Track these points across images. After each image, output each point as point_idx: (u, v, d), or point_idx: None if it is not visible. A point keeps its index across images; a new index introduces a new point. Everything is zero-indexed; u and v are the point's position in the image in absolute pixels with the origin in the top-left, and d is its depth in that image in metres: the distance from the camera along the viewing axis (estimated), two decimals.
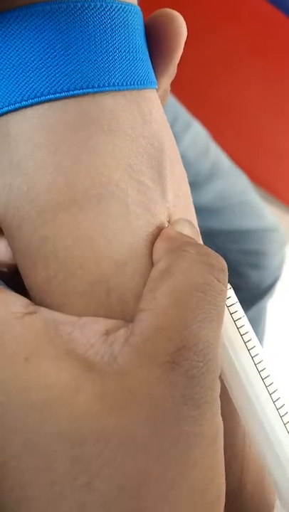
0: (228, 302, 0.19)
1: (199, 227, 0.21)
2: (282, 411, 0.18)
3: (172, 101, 0.63)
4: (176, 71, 0.24)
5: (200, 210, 0.68)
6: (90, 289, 0.17)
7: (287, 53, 1.13)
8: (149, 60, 0.20)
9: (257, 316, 0.71)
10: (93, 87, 0.17)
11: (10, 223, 0.18)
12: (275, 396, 0.18)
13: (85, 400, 0.14)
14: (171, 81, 0.22)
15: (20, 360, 0.15)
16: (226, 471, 0.18)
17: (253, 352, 0.19)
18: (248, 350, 0.19)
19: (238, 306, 0.19)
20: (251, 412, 0.18)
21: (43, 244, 0.17)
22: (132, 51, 0.19)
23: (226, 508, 0.20)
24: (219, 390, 0.16)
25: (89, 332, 0.16)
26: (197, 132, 0.64)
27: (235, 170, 0.68)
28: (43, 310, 0.17)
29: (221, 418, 0.16)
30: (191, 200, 0.22)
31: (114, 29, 0.18)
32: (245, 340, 0.19)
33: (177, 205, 0.20)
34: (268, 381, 0.19)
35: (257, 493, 0.22)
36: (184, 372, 0.15)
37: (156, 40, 0.20)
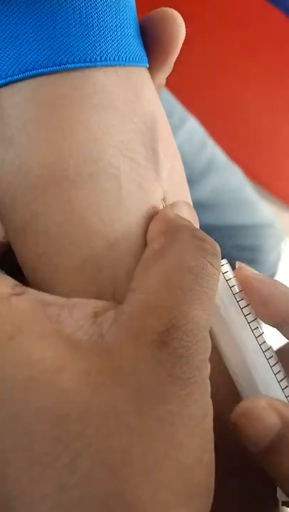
0: (227, 276, 0.19)
1: None
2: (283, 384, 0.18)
3: (168, 96, 0.63)
4: (172, 68, 0.24)
5: (195, 206, 0.67)
6: (81, 266, 0.17)
7: (285, 51, 1.13)
8: (140, 36, 0.20)
9: None
10: (85, 61, 0.17)
11: (2, 198, 0.18)
12: (275, 368, 0.19)
13: (68, 378, 0.14)
14: (166, 77, 0.22)
15: (4, 339, 0.15)
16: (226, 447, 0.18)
17: (253, 325, 0.19)
18: (248, 323, 0.19)
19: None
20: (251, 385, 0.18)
21: (35, 220, 0.17)
22: (124, 26, 0.19)
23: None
24: (209, 371, 0.16)
25: (78, 313, 0.16)
26: (193, 128, 0.64)
27: (230, 165, 0.68)
28: (31, 291, 0.17)
29: (210, 399, 0.16)
30: (185, 179, 0.22)
31: (106, 4, 0.18)
32: (245, 314, 0.19)
33: (171, 183, 0.20)
34: (268, 354, 0.19)
35: None
36: (171, 352, 0.15)
37: (153, 38, 0.20)
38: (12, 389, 0.14)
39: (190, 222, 0.18)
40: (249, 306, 0.19)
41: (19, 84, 0.17)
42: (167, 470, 0.14)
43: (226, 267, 0.19)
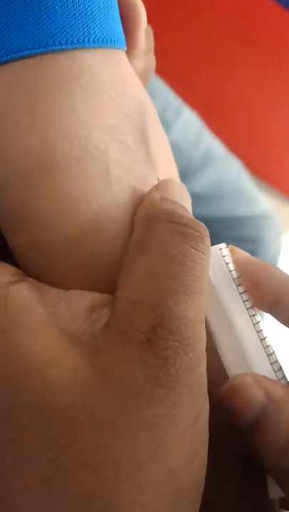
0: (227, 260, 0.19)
1: (193, 215, 0.20)
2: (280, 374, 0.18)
3: (163, 89, 0.62)
4: (153, 61, 0.24)
5: (193, 198, 0.67)
6: (73, 254, 0.17)
7: (280, 43, 1.12)
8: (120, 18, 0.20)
9: None
10: (72, 42, 0.17)
11: None
12: (272, 358, 0.18)
13: (56, 374, 0.14)
14: (142, 66, 0.22)
15: None
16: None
17: (251, 312, 0.18)
18: (247, 309, 0.18)
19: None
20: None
21: (23, 209, 0.17)
22: (109, 8, 0.18)
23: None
24: (204, 366, 0.15)
25: (74, 306, 0.16)
26: (189, 120, 0.64)
27: (228, 157, 0.68)
28: (31, 280, 0.16)
29: (206, 398, 0.16)
30: (173, 161, 0.21)
31: None
32: (244, 299, 0.18)
33: (162, 166, 0.19)
34: (265, 343, 0.18)
35: None
36: (158, 353, 0.14)
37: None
38: (2, 383, 0.14)
39: (174, 204, 0.17)
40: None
41: (2, 68, 0.16)
42: (153, 473, 0.14)
43: (224, 250, 0.19)
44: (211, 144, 0.66)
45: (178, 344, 0.15)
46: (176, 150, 0.62)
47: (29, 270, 0.18)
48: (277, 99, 1.18)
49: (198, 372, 0.15)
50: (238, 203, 0.66)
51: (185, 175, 0.61)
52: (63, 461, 0.14)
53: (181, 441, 0.14)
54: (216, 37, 1.13)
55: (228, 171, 0.67)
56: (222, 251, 0.19)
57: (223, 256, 0.18)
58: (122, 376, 0.14)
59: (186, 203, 0.18)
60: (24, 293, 0.16)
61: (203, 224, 0.17)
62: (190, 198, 0.19)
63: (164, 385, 0.14)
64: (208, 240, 0.17)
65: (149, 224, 0.17)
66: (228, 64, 1.16)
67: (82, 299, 0.16)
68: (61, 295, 0.16)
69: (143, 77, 0.22)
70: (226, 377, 0.19)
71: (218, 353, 0.18)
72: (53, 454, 0.14)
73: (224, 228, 0.65)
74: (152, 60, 0.24)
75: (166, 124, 0.62)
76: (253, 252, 0.72)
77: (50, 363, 0.14)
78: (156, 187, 0.18)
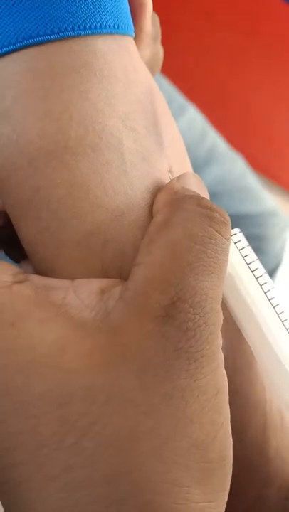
0: (239, 246, 0.19)
1: None
2: None
3: (166, 85, 0.62)
4: (160, 50, 0.24)
5: None
6: (85, 240, 0.17)
7: (283, 37, 1.13)
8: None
9: None
10: (84, 28, 0.17)
11: None
12: None
13: (71, 358, 0.14)
14: (150, 54, 0.22)
15: (6, 325, 0.15)
16: (248, 424, 0.17)
17: (270, 295, 0.18)
18: (264, 292, 0.18)
19: (248, 249, 0.19)
20: (271, 357, 0.18)
21: (35, 195, 0.17)
22: None
23: (251, 462, 0.19)
24: (220, 343, 0.16)
25: (83, 293, 0.16)
26: (193, 117, 0.63)
27: (232, 154, 0.68)
28: (33, 277, 0.16)
29: (224, 373, 0.16)
30: (185, 150, 0.21)
31: None
32: (261, 283, 0.18)
33: (174, 154, 0.19)
34: (283, 316, 0.18)
35: (282, 449, 0.21)
36: (178, 325, 0.15)
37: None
38: (14, 375, 0.14)
39: (197, 193, 0.18)
40: (266, 275, 0.18)
41: (15, 55, 0.16)
42: (178, 447, 0.14)
43: (238, 235, 0.19)
44: (215, 140, 0.66)
45: (198, 317, 0.15)
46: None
47: (37, 257, 0.17)
48: (281, 93, 1.18)
49: (217, 345, 0.15)
50: (244, 200, 0.66)
51: None
52: (85, 445, 0.13)
53: (204, 414, 0.15)
54: (218, 30, 1.13)
55: (233, 168, 0.66)
56: (235, 236, 0.19)
57: (236, 242, 0.19)
58: (140, 350, 0.14)
59: (205, 196, 0.19)
60: (29, 291, 0.16)
61: (226, 211, 0.17)
62: (207, 192, 0.20)
63: (183, 357, 0.14)
64: (230, 227, 0.17)
65: (176, 206, 0.17)
66: (231, 60, 1.16)
67: (91, 285, 0.16)
68: (68, 285, 0.16)
69: (151, 66, 0.22)
70: (250, 364, 0.19)
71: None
72: (74, 438, 0.13)
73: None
74: (160, 48, 0.24)
75: None
76: (258, 249, 0.72)
77: (64, 350, 0.14)
78: (177, 179, 0.18)
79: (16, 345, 0.14)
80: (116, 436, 0.14)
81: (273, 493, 0.21)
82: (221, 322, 0.16)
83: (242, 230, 0.67)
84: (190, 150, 0.65)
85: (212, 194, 0.64)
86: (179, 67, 0.79)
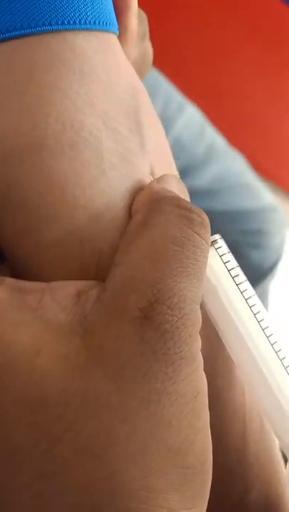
0: (220, 252, 0.19)
1: None
2: (285, 362, 0.18)
3: (165, 84, 0.62)
4: (150, 49, 0.23)
5: (198, 193, 0.68)
6: (62, 240, 0.17)
7: (281, 37, 1.12)
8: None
9: (259, 297, 0.70)
10: (63, 23, 0.16)
11: None
12: (276, 347, 0.18)
13: (45, 361, 0.14)
14: (137, 53, 0.21)
15: None
16: (227, 429, 0.18)
17: (251, 302, 0.18)
18: (245, 300, 0.18)
19: (232, 259, 0.19)
20: (251, 364, 0.18)
21: (11, 193, 0.16)
22: None
23: (231, 468, 0.19)
24: (199, 345, 0.15)
25: (60, 296, 0.15)
26: (191, 115, 0.64)
27: (231, 151, 0.68)
28: (8, 280, 0.16)
29: (203, 376, 0.15)
30: (169, 150, 0.21)
31: None
32: (242, 290, 0.18)
33: (156, 155, 0.19)
34: (268, 332, 0.18)
35: (261, 453, 0.21)
36: (155, 327, 0.14)
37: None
38: None
39: (177, 194, 0.18)
40: (246, 282, 0.19)
41: None
42: (155, 452, 0.14)
43: (219, 242, 0.19)
44: (214, 138, 0.66)
45: (176, 318, 0.15)
46: (180, 145, 0.62)
47: (15, 257, 0.17)
48: (281, 95, 1.17)
49: (196, 347, 0.15)
50: (243, 196, 0.66)
51: (188, 170, 0.61)
52: (59, 451, 0.13)
53: (182, 417, 0.14)
54: (221, 34, 1.12)
55: (233, 165, 0.67)
56: (217, 242, 0.19)
57: (217, 248, 0.19)
58: (116, 353, 0.14)
59: (185, 198, 0.18)
60: (3, 294, 0.15)
61: (205, 213, 0.17)
62: (188, 195, 0.19)
63: (161, 359, 0.14)
64: (209, 229, 0.17)
65: (155, 207, 0.17)
66: (230, 59, 1.15)
67: (68, 287, 0.16)
68: (44, 288, 0.16)
69: (139, 65, 0.22)
70: (230, 369, 0.20)
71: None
72: (47, 444, 0.13)
73: (230, 221, 0.65)
74: (148, 47, 0.24)
75: (169, 120, 0.62)
76: (258, 245, 0.73)
77: (38, 352, 0.14)
78: (158, 180, 0.18)
79: None
80: (91, 442, 0.13)
81: (253, 498, 0.21)
82: (200, 324, 0.16)
83: (241, 226, 0.67)
84: (189, 147, 0.66)
85: (212, 191, 0.65)
86: (176, 66, 0.79)
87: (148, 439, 0.14)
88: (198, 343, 0.15)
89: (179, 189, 0.18)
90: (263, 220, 0.67)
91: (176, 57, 0.94)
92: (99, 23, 0.17)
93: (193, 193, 0.21)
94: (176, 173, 0.21)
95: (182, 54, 1.03)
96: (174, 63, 0.73)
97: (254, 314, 0.18)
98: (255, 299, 0.19)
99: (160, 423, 0.14)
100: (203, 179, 0.63)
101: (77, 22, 0.17)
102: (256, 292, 0.19)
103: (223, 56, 1.15)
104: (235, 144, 0.72)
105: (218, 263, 0.19)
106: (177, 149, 0.60)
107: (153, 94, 0.21)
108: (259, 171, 1.02)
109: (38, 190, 0.16)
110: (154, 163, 0.19)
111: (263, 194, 0.69)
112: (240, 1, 1.09)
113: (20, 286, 0.16)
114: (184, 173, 0.63)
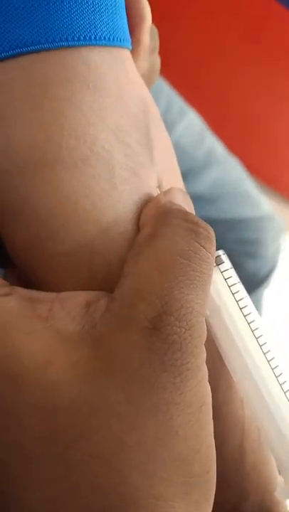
0: (222, 268, 0.19)
1: (197, 216, 0.20)
2: (281, 379, 0.18)
3: (166, 88, 0.62)
4: (157, 61, 0.24)
5: (196, 199, 0.67)
6: (73, 251, 0.17)
7: (281, 41, 1.12)
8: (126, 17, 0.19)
9: (253, 304, 0.70)
10: (79, 39, 0.17)
11: None
12: (273, 363, 0.18)
13: (56, 371, 0.14)
14: (147, 66, 0.22)
15: None
16: (227, 440, 0.18)
17: (249, 318, 0.18)
18: (244, 316, 0.18)
19: (233, 274, 0.19)
20: (250, 383, 0.18)
21: (24, 203, 0.17)
22: (117, 6, 0.18)
23: (228, 477, 0.20)
24: (204, 357, 0.16)
25: (69, 306, 0.16)
26: (191, 120, 0.64)
27: (230, 158, 0.68)
28: (18, 290, 0.16)
29: (208, 386, 0.16)
30: (176, 163, 0.22)
31: None
32: (241, 306, 0.18)
33: (164, 169, 0.19)
34: (265, 348, 0.18)
35: (258, 462, 0.21)
36: (164, 338, 0.15)
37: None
38: (1, 386, 0.14)
39: (183, 207, 0.18)
40: (247, 298, 0.19)
41: (8, 62, 0.16)
42: (163, 461, 0.14)
43: (222, 257, 0.19)
44: (214, 144, 0.66)
45: (184, 330, 0.15)
46: (179, 150, 0.62)
47: (25, 265, 0.18)
48: (280, 100, 1.18)
49: (202, 358, 0.15)
50: (241, 204, 0.66)
51: (188, 175, 0.61)
52: (70, 456, 0.13)
53: (188, 427, 0.15)
54: (218, 36, 1.12)
55: (231, 172, 0.67)
56: (220, 258, 0.19)
57: (219, 264, 0.19)
58: (126, 362, 0.14)
59: (190, 210, 0.19)
60: (14, 304, 0.16)
61: (210, 228, 0.17)
62: (193, 207, 0.20)
63: (169, 370, 0.14)
64: (215, 243, 0.17)
65: (163, 220, 0.17)
66: (229, 64, 1.15)
67: (77, 297, 0.16)
68: (54, 298, 0.16)
69: (148, 77, 0.22)
70: (229, 383, 0.20)
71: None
72: (58, 450, 0.13)
73: (226, 230, 0.65)
74: (157, 60, 0.24)
75: (170, 124, 0.62)
76: (254, 254, 0.72)
77: (50, 362, 0.14)
78: (164, 193, 0.18)
79: (1, 356, 0.14)
80: (102, 449, 0.14)
81: (248, 506, 0.21)
82: (206, 336, 0.16)
83: (239, 234, 0.67)
84: (189, 152, 0.65)
85: (210, 197, 0.65)
86: (178, 72, 0.79)
87: (156, 448, 0.14)
88: (203, 355, 0.16)
89: (184, 202, 0.19)
90: (260, 229, 0.67)
91: (178, 62, 0.94)
92: (113, 39, 0.18)
93: (192, 198, 0.21)
94: (182, 183, 0.21)
95: (183, 59, 1.03)
96: (175, 68, 0.73)
97: (252, 331, 0.18)
98: (254, 316, 0.19)
99: (168, 432, 0.14)
100: (202, 185, 0.63)
101: (93, 38, 0.17)
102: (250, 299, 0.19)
103: (224, 62, 1.15)
104: (235, 148, 0.72)
105: (221, 281, 0.19)
106: (177, 154, 0.59)
107: (155, 98, 0.21)
108: (258, 176, 1.02)
109: (50, 203, 0.17)
110: (161, 172, 0.19)
111: (260, 202, 0.69)
112: (242, 6, 1.09)
113: (30, 296, 0.16)
114: (183, 177, 0.62)
